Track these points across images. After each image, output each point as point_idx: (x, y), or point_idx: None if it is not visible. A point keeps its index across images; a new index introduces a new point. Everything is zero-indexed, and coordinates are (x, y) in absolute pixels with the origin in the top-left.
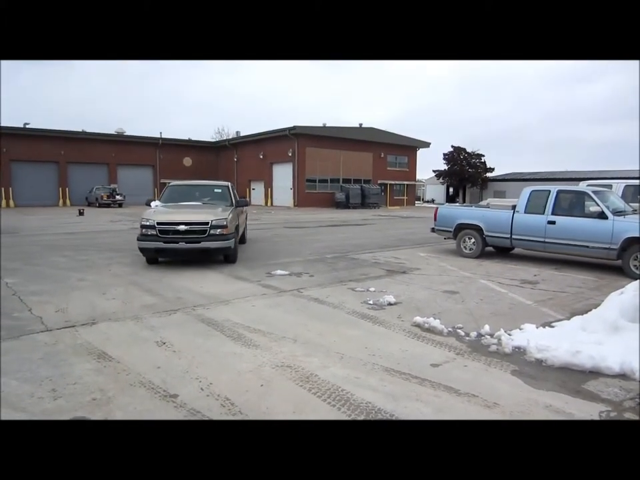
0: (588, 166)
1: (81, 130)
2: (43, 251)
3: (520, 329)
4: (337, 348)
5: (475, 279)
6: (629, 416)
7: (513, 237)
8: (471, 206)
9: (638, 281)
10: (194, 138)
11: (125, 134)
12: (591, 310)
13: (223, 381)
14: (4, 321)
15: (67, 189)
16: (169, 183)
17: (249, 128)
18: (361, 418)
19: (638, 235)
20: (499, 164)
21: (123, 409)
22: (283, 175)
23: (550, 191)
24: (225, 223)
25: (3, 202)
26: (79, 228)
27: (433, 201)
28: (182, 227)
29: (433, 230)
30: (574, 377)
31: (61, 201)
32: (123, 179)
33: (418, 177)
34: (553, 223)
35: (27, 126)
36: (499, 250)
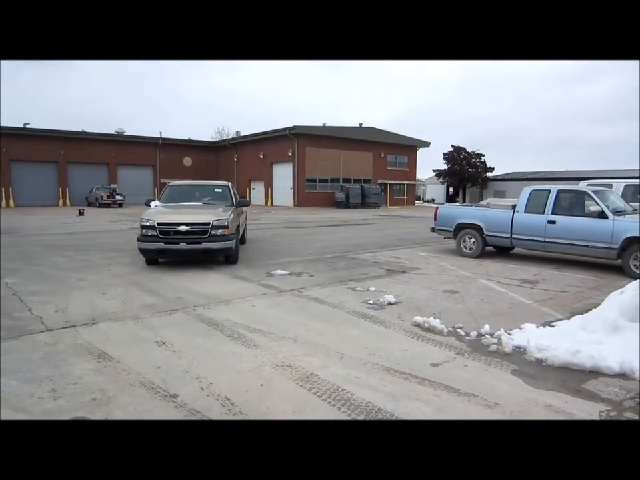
0: (588, 165)
1: (81, 130)
2: (43, 251)
3: (520, 329)
4: (337, 347)
5: (475, 279)
6: (629, 415)
7: (513, 236)
8: (471, 205)
9: (638, 280)
10: (194, 138)
11: (125, 134)
12: (591, 309)
13: (223, 381)
14: (4, 321)
15: (67, 189)
16: (169, 182)
17: (248, 128)
18: (361, 418)
19: (638, 235)
20: (499, 164)
21: (123, 408)
22: (282, 175)
23: (550, 191)
24: (226, 224)
25: (3, 202)
26: (79, 228)
27: (432, 201)
28: (183, 228)
29: (432, 230)
30: (574, 377)
31: (60, 200)
32: (123, 178)
33: (418, 176)
34: (553, 222)
35: (27, 126)
36: (499, 249)
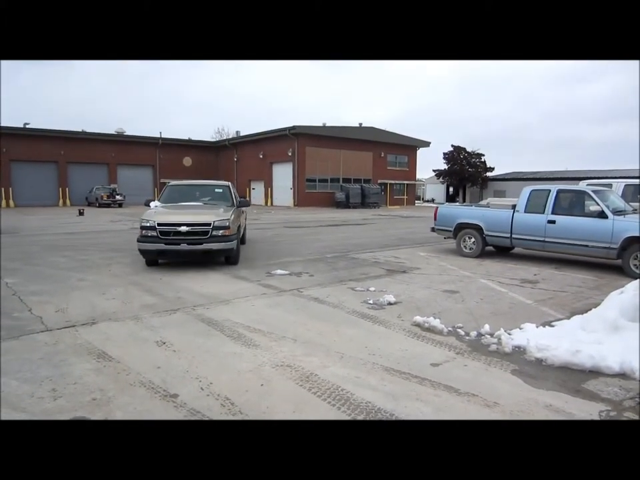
0: (588, 165)
1: (80, 130)
2: (43, 251)
3: (520, 329)
4: (337, 347)
5: (475, 279)
6: (629, 415)
7: (513, 236)
8: (471, 205)
9: (638, 280)
10: (194, 138)
11: (125, 134)
12: (590, 309)
13: (223, 381)
14: (4, 321)
15: (67, 188)
16: (168, 182)
17: (248, 128)
18: (361, 417)
19: (638, 235)
20: (499, 163)
21: (123, 408)
22: (282, 175)
23: (550, 191)
24: (227, 224)
25: (3, 202)
26: (79, 228)
27: (432, 201)
28: (183, 228)
29: (433, 229)
30: (574, 377)
31: (60, 200)
32: (123, 178)
33: (418, 176)
34: (553, 222)
35: (27, 126)
36: (499, 249)
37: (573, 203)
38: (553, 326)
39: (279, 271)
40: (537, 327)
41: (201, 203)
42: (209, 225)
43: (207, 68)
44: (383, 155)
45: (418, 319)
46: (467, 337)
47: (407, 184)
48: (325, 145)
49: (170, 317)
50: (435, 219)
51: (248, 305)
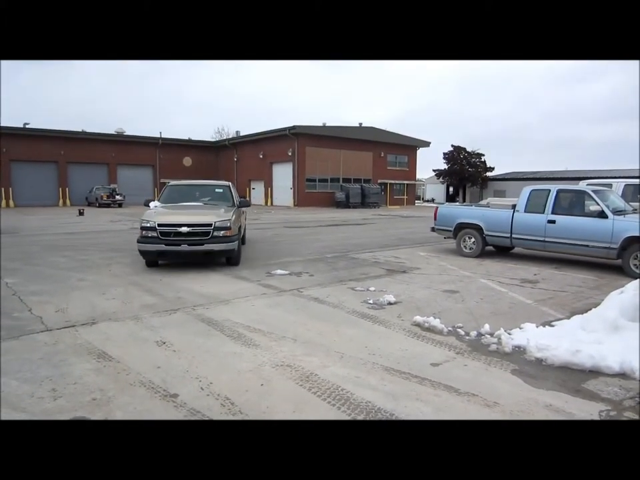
0: (588, 165)
1: (81, 130)
2: (43, 251)
3: (520, 328)
4: (337, 347)
5: (475, 278)
6: (629, 415)
7: (513, 236)
8: (471, 205)
9: (638, 280)
10: (194, 138)
11: (125, 134)
12: (590, 309)
13: (223, 381)
14: (4, 321)
15: (67, 188)
16: (168, 182)
17: (248, 128)
18: (361, 417)
19: (638, 234)
20: (499, 163)
21: (123, 408)
22: (282, 175)
23: (550, 190)
24: (228, 225)
25: (3, 202)
26: (78, 228)
27: (432, 201)
28: (184, 229)
29: (433, 229)
30: (574, 376)
31: (60, 200)
32: (123, 178)
33: (418, 176)
34: (552, 222)
35: (27, 126)
36: (499, 249)
37: (573, 203)
38: (553, 326)
39: (279, 271)
40: (537, 326)
41: (201, 203)
42: (210, 225)
43: (207, 68)
44: (382, 155)
45: (418, 318)
46: (467, 337)
47: (406, 184)
48: (325, 145)
49: (170, 317)
50: (435, 218)
51: (248, 304)
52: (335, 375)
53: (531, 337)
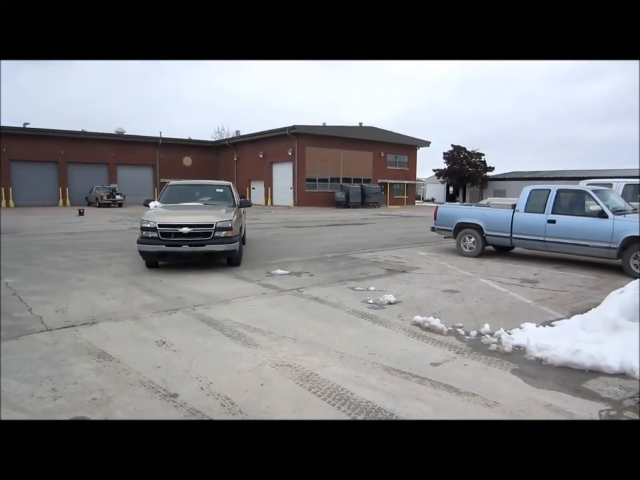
0: (588, 165)
1: (81, 130)
2: (43, 251)
3: (520, 328)
4: (337, 347)
5: (475, 278)
6: (629, 415)
7: (513, 236)
8: (471, 205)
9: (638, 280)
10: (194, 138)
11: (124, 134)
12: (591, 309)
13: (223, 381)
14: (4, 321)
15: (67, 188)
16: (168, 182)
17: (248, 127)
18: (361, 417)
19: (638, 234)
20: (499, 163)
21: (123, 408)
22: (282, 175)
23: (550, 190)
24: (229, 225)
25: (3, 202)
26: (79, 228)
27: (433, 200)
28: (185, 229)
29: (433, 229)
30: (574, 376)
31: (60, 200)
32: (123, 178)
33: (418, 176)
34: (553, 222)
35: (27, 126)
36: (499, 249)
37: (573, 203)
38: (553, 325)
39: (279, 271)
40: (537, 326)
41: (201, 204)
42: (211, 226)
43: (207, 68)
44: (382, 155)
45: (418, 318)
46: (467, 337)
47: (406, 184)
48: (325, 145)
49: (170, 317)
50: (435, 218)
51: (248, 304)
52: (335, 375)
53: (531, 337)
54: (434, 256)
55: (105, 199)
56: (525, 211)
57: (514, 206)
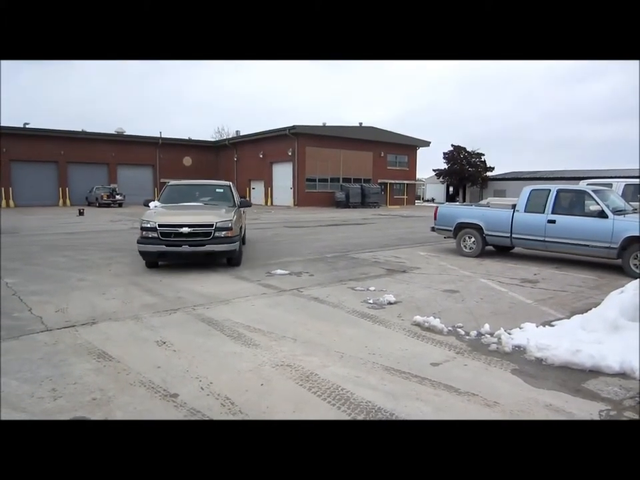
0: (588, 165)
1: (81, 130)
2: (43, 251)
3: (520, 328)
4: (337, 347)
5: (475, 278)
6: (629, 415)
7: (513, 236)
8: (471, 205)
9: (638, 279)
10: (194, 138)
11: (125, 134)
12: (591, 309)
13: (223, 381)
14: (4, 321)
15: (67, 188)
16: (168, 182)
17: (248, 127)
18: (361, 417)
19: (638, 234)
20: (499, 163)
21: (123, 408)
22: (282, 175)
23: (550, 190)
24: (230, 225)
25: (3, 202)
26: (79, 228)
27: (433, 200)
28: (185, 229)
29: (433, 229)
30: (574, 376)
31: (60, 200)
32: (123, 178)
33: (418, 176)
34: (553, 222)
35: (27, 126)
36: (499, 249)
37: (573, 203)
38: (553, 325)
39: (279, 271)
40: (537, 326)
41: (201, 204)
42: (211, 226)
43: (207, 68)
44: (382, 155)
45: (418, 318)
46: (467, 337)
47: (406, 184)
48: (325, 145)
49: (170, 317)
50: (435, 218)
51: (248, 304)
52: (335, 375)
53: (531, 337)
54: (434, 256)
55: (105, 198)
56: (525, 211)
57: (514, 206)
